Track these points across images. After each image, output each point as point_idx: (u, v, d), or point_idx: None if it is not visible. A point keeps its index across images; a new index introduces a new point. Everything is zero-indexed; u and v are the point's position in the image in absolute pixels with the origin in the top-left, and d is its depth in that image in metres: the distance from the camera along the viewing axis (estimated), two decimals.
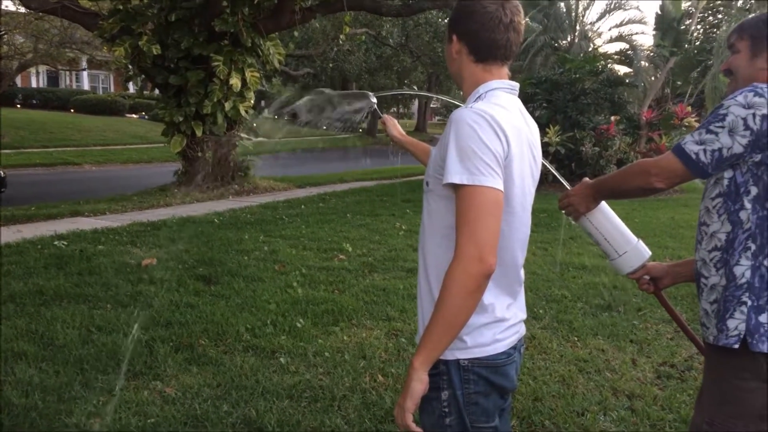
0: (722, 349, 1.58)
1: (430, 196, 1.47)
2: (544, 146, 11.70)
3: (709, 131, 1.54)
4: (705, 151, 1.54)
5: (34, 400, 2.97)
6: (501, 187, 1.35)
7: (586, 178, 1.85)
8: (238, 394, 3.12)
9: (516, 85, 1.53)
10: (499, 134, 1.35)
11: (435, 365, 1.37)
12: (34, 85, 34.67)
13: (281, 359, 3.57)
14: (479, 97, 1.46)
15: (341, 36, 14.20)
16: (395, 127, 2.24)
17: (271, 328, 4.06)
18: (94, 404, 2.97)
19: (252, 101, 11.37)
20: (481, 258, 1.30)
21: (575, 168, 12.52)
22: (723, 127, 1.53)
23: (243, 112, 11.03)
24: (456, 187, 1.35)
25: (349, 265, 5.79)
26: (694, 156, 1.56)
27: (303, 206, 9.74)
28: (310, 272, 5.49)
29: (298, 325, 4.11)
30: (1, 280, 4.96)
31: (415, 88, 32.84)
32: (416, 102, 47.12)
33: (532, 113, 1.56)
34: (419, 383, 1.35)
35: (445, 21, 26.32)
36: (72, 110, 29.44)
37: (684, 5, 17.71)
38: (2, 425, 2.78)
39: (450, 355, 1.41)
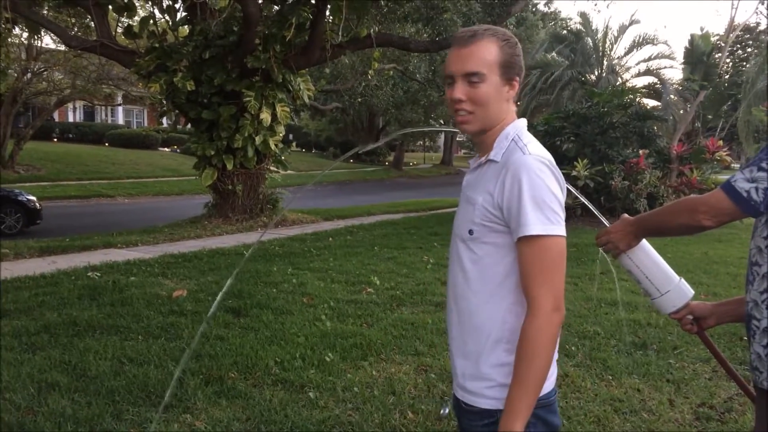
0: None
1: (473, 245, 1.46)
2: (573, 180, 11.63)
3: (760, 168, 1.49)
4: (757, 189, 1.49)
5: None
6: (565, 233, 1.38)
7: (625, 215, 1.80)
8: (268, 429, 3.10)
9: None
10: (558, 180, 1.39)
11: (491, 414, 1.37)
12: (71, 119, 35.74)
13: (310, 394, 3.55)
14: (513, 139, 1.46)
15: (370, 71, 14.40)
16: None
17: (300, 361, 4.04)
18: None
19: (282, 135, 11.56)
20: (558, 307, 1.34)
21: (604, 202, 12.40)
22: None
23: (273, 146, 11.22)
24: (527, 238, 1.35)
25: (377, 299, 5.77)
26: (745, 194, 1.51)
27: (330, 239, 9.79)
28: (338, 305, 5.48)
29: (327, 359, 4.09)
30: (34, 310, 5.06)
31: (442, 122, 33.05)
32: (442, 136, 47.33)
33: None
34: None
35: None
36: (107, 144, 30.22)
37: (713, 39, 17.62)
38: None
39: None
